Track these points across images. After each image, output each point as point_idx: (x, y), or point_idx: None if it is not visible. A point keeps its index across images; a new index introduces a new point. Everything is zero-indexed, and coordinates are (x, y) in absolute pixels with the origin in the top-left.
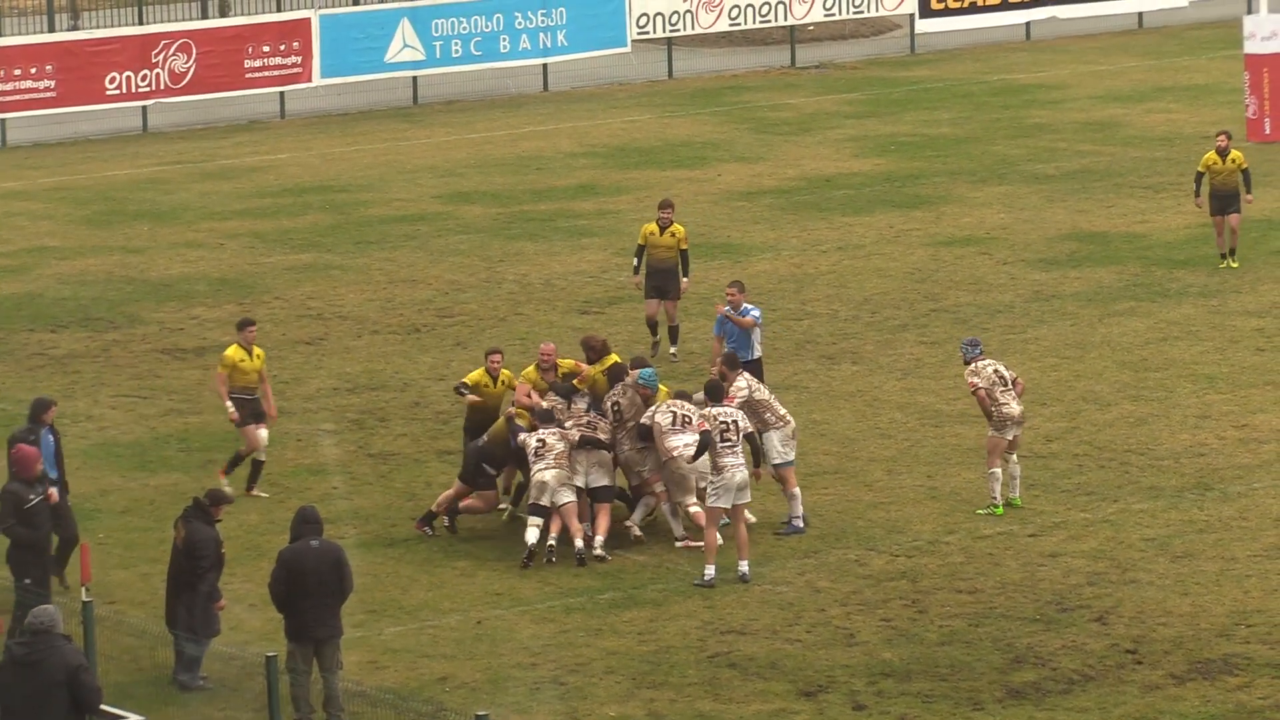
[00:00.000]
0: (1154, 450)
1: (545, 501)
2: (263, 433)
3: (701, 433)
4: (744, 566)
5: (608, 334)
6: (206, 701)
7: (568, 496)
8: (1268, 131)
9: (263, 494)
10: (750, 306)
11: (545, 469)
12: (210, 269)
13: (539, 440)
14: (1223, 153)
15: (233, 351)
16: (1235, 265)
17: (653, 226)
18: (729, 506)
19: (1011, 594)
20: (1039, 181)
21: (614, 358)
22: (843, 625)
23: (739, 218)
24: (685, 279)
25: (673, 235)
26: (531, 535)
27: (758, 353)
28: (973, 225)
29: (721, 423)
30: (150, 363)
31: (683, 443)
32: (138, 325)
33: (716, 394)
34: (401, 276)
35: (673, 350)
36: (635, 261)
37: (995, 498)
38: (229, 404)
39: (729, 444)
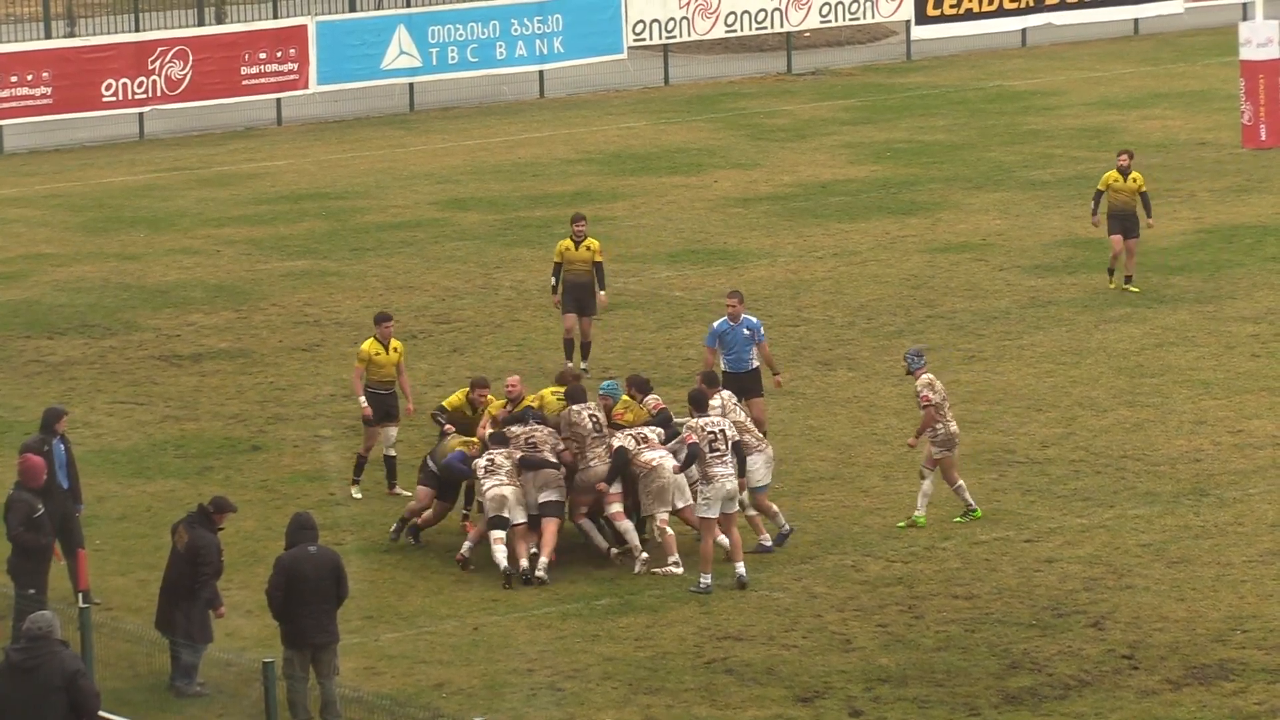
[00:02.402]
0: (1150, 456)
1: (506, 514)
2: (391, 431)
3: (689, 445)
4: (741, 569)
5: (604, 340)
6: (204, 708)
7: (520, 516)
8: (1263, 138)
9: (404, 491)
10: (750, 316)
11: (501, 485)
12: (207, 275)
13: (488, 459)
14: (1124, 172)
15: (368, 345)
16: (1135, 290)
17: (568, 242)
18: (718, 516)
19: (1008, 599)
20: (1035, 188)
21: (555, 392)
22: (839, 631)
23: (735, 224)
24: (602, 292)
25: (588, 249)
26: (500, 555)
27: (755, 364)
28: (968, 231)
29: (709, 433)
30: (147, 369)
31: (658, 455)
32: (134, 332)
33: (701, 404)
34: (398, 283)
35: (583, 366)
36: (553, 280)
37: (971, 504)
38: (362, 399)
39: (718, 454)
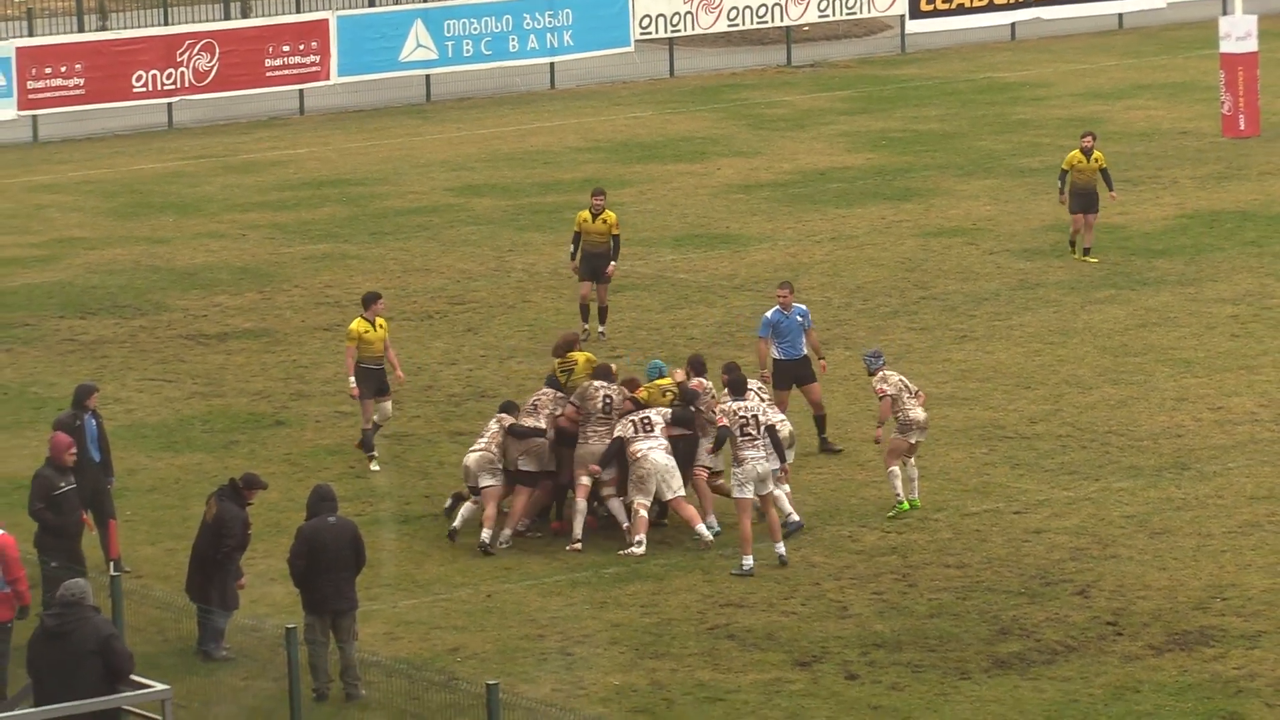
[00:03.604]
0: (1133, 431)
1: (469, 484)
2: (386, 405)
3: (719, 428)
4: (780, 548)
5: (612, 321)
6: (230, 671)
7: (488, 480)
8: (1242, 127)
9: (374, 466)
10: (799, 305)
11: (471, 451)
12: (233, 258)
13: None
14: (1087, 152)
15: (356, 324)
16: (1094, 261)
17: (586, 214)
18: (751, 497)
19: (997, 568)
20: (1023, 175)
21: (587, 355)
22: (836, 598)
23: (737, 210)
24: (614, 263)
25: (604, 222)
26: (458, 521)
27: (806, 351)
28: (960, 217)
29: (741, 417)
30: (175, 348)
31: (646, 446)
32: (163, 312)
33: (739, 389)
34: (415, 266)
35: (601, 329)
36: (572, 248)
37: (899, 494)
38: (351, 379)
39: (749, 437)
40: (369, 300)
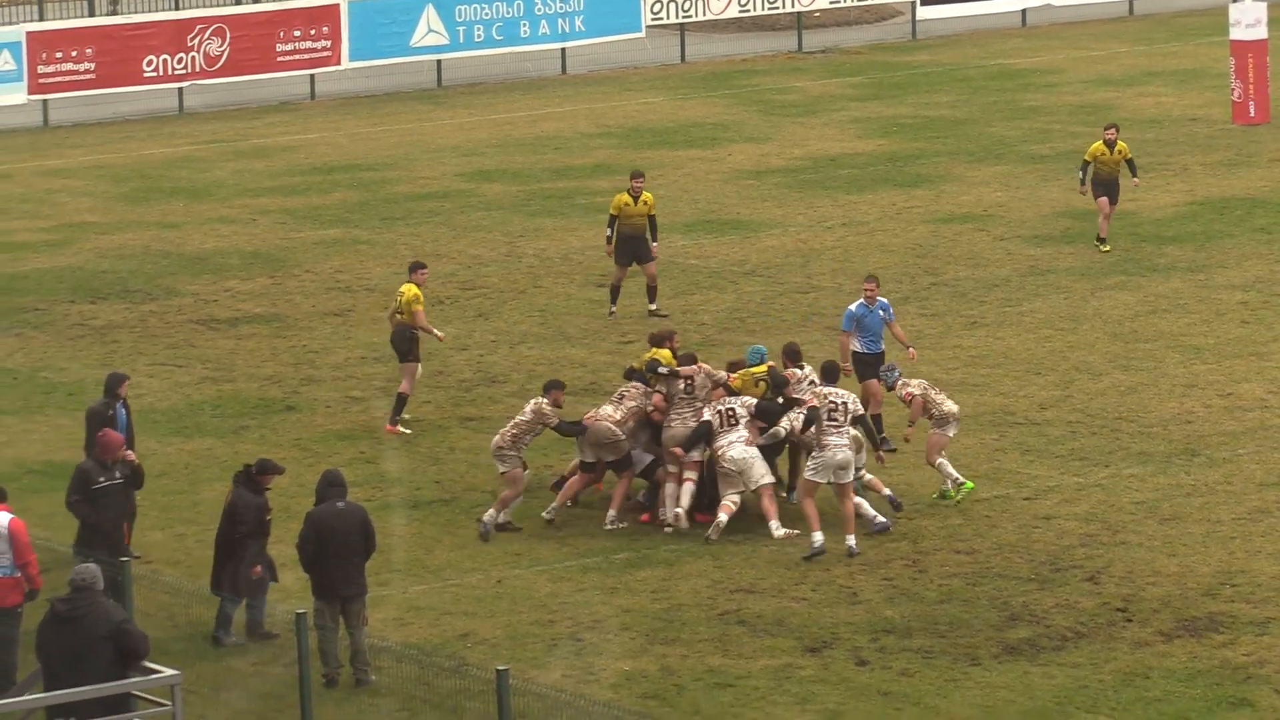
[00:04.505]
0: (1143, 418)
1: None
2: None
3: (809, 407)
4: (850, 541)
5: (623, 306)
6: (240, 656)
7: (503, 466)
8: (1252, 114)
9: (403, 429)
10: (882, 299)
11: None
12: (243, 243)
13: None
14: (1110, 144)
15: (417, 290)
16: (1106, 250)
17: (626, 197)
18: (825, 482)
19: (1007, 555)
20: (1034, 161)
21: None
22: (846, 584)
23: (748, 195)
24: (655, 243)
25: (644, 203)
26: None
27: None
28: (971, 203)
29: (830, 402)
30: (185, 333)
31: (727, 441)
32: (174, 297)
33: (832, 376)
34: (426, 251)
35: (652, 306)
36: (609, 231)
37: (957, 478)
38: (436, 330)
39: (835, 424)
40: (414, 268)
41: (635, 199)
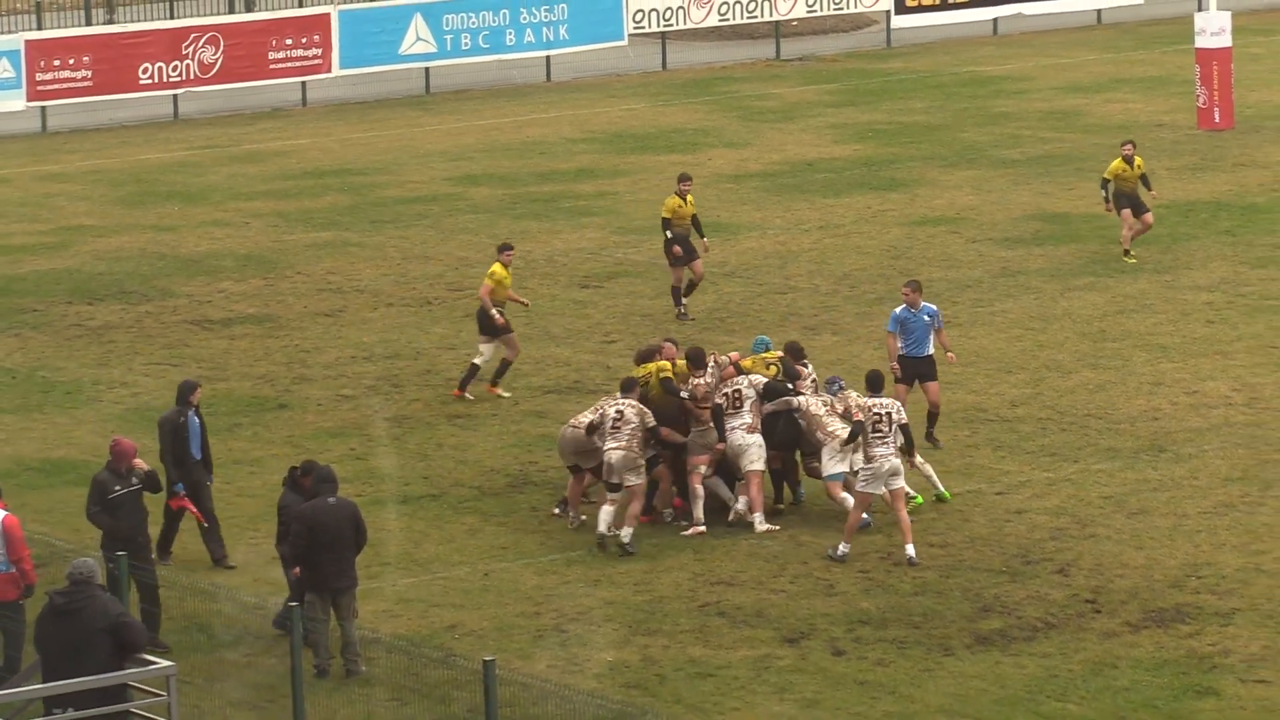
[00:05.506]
0: (1111, 414)
1: (612, 480)
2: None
3: (855, 422)
4: (910, 550)
5: (607, 307)
6: (233, 648)
7: (633, 479)
8: (1217, 120)
9: (504, 393)
10: (928, 304)
11: (611, 450)
12: (237, 246)
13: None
14: (1129, 160)
15: (502, 269)
16: (1133, 260)
17: (678, 200)
18: (878, 493)
19: (979, 548)
20: (1005, 166)
21: (664, 365)
22: (823, 577)
23: (728, 199)
24: (704, 239)
25: (692, 204)
26: (601, 519)
27: (931, 350)
28: (944, 206)
29: (875, 414)
30: (180, 333)
31: (729, 427)
32: (169, 298)
33: (877, 385)
34: (414, 253)
35: (681, 306)
36: (668, 234)
37: (934, 481)
38: (495, 311)
39: (880, 434)
40: (502, 248)
41: (684, 199)
